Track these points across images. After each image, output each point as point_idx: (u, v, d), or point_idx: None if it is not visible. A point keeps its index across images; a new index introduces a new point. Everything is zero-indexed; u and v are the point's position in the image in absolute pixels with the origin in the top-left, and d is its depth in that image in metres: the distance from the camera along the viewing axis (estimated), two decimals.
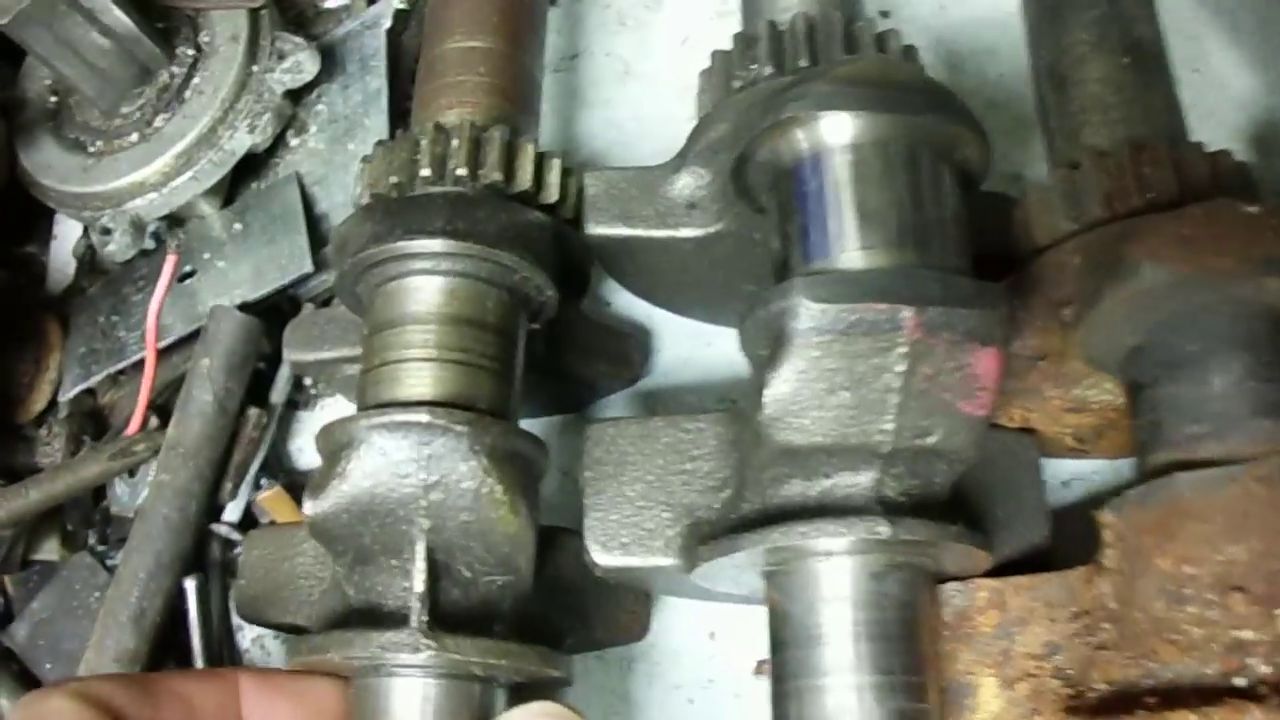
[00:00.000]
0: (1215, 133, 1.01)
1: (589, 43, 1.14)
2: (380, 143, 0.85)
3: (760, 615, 0.85)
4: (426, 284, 0.77)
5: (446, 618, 0.74)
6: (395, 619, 0.73)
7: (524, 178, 0.83)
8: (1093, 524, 0.72)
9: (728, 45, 0.87)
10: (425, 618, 0.72)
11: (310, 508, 0.74)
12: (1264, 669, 0.63)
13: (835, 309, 0.66)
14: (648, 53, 1.12)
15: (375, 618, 0.75)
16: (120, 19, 1.01)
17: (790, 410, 0.68)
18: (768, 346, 0.69)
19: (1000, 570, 0.77)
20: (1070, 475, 0.91)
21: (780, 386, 0.68)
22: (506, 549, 0.74)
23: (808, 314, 0.66)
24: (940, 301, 0.66)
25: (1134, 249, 0.68)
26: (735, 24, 0.96)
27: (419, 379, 0.75)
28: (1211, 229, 0.66)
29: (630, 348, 0.94)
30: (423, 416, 0.71)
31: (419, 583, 0.73)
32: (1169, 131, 0.82)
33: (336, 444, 0.74)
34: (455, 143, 0.82)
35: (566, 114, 1.11)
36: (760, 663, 0.91)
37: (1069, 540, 0.78)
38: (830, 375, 0.67)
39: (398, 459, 0.72)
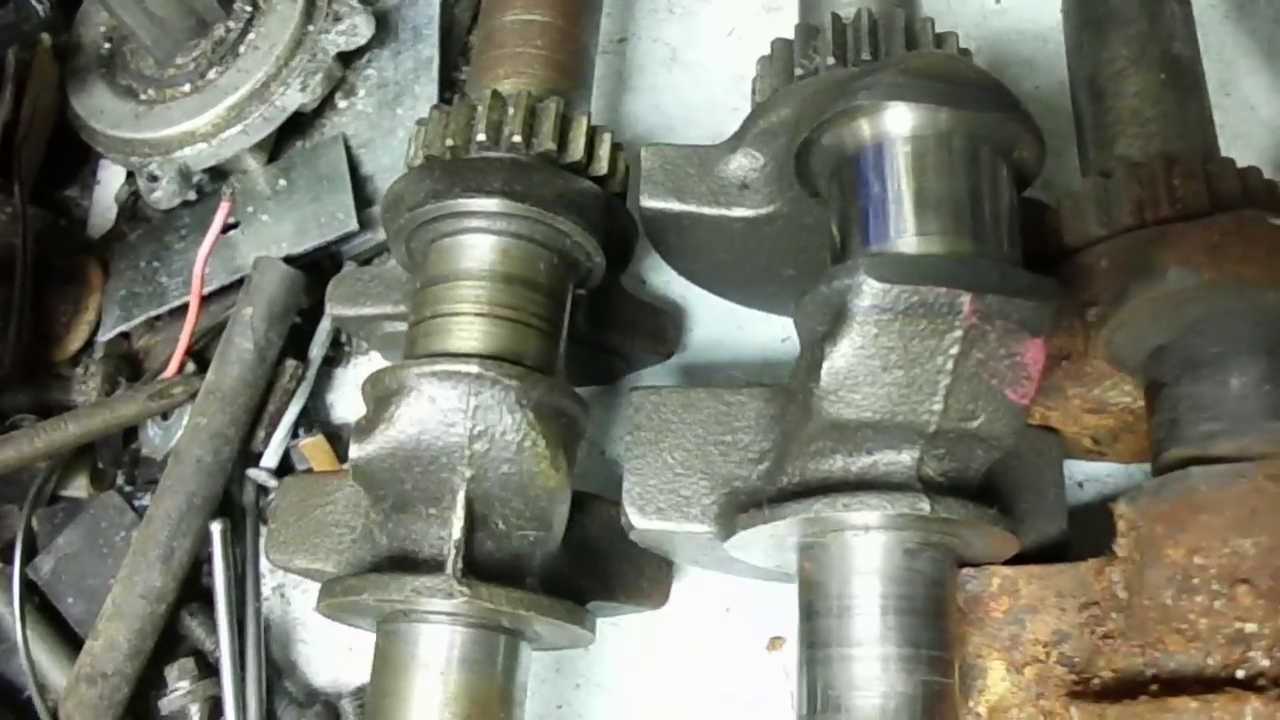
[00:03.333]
0: (1243, 154, 1.02)
1: (638, 28, 1.17)
2: (436, 107, 0.87)
3: (775, 591, 0.88)
4: (481, 242, 0.79)
5: (479, 568, 0.76)
6: (430, 565, 0.76)
7: (576, 149, 0.85)
8: (1105, 520, 0.75)
9: (775, 38, 0.89)
10: (460, 565, 0.74)
11: (356, 450, 0.76)
12: (1265, 662, 0.65)
13: (897, 289, 0.68)
14: (694, 41, 1.15)
15: (409, 564, 0.77)
16: None
17: (845, 384, 0.71)
18: (826, 323, 0.72)
19: (1016, 560, 0.80)
20: (1085, 476, 0.94)
21: (838, 361, 0.70)
22: (544, 503, 0.77)
23: (870, 292, 0.68)
24: (998, 289, 0.68)
25: (1163, 254, 0.71)
26: (783, 19, 0.99)
27: (470, 332, 0.77)
28: (1239, 238, 0.69)
29: (666, 324, 0.97)
30: (473, 368, 0.74)
31: (457, 530, 0.75)
32: (1202, 147, 0.85)
33: (386, 390, 0.76)
34: (511, 111, 0.84)
35: (612, 96, 1.14)
36: (774, 639, 0.93)
37: (1079, 538, 0.82)
38: (886, 353, 0.70)
39: (445, 407, 0.74)
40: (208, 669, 0.93)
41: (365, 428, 0.76)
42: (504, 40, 0.92)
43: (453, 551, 0.74)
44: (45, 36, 1.09)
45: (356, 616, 0.81)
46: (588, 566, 0.84)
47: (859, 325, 0.69)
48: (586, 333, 0.89)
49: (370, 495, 0.79)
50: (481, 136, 0.82)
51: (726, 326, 1.01)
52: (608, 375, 0.99)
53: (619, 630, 0.95)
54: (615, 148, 0.88)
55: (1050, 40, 1.00)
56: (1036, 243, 0.87)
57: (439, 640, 0.76)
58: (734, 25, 1.13)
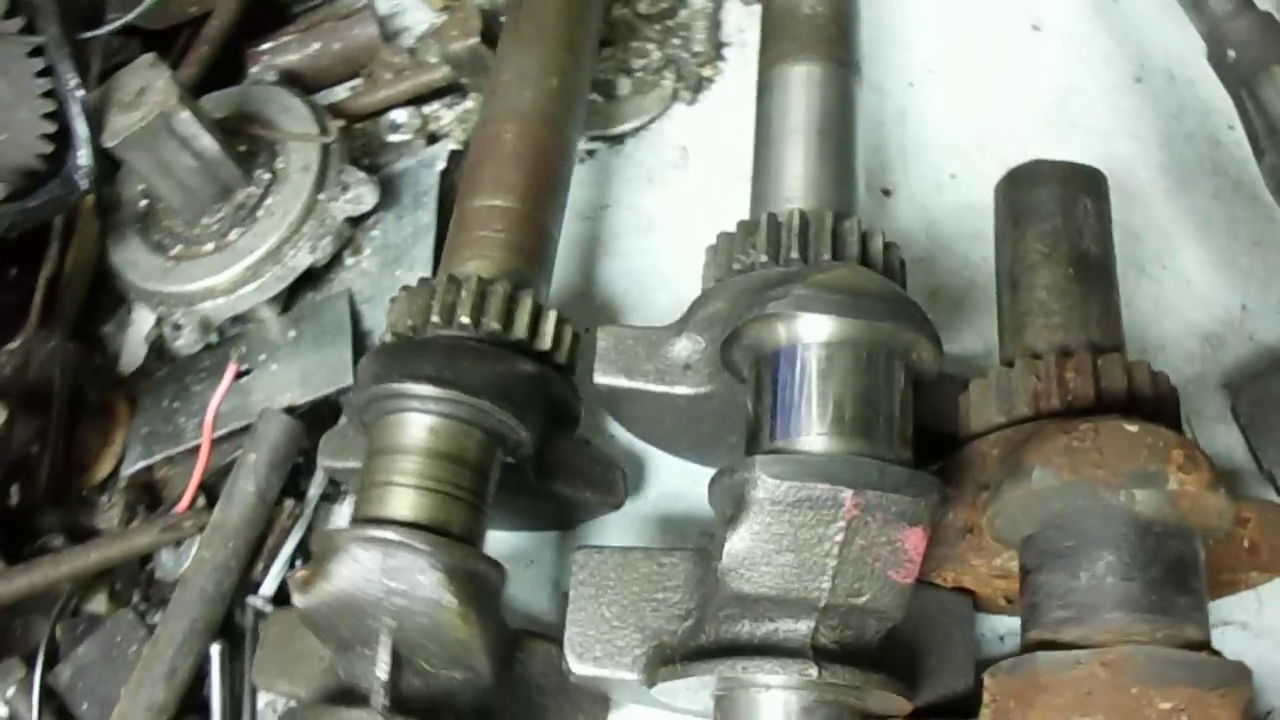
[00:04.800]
0: (1177, 324, 1.12)
1: (619, 195, 1.27)
2: (405, 288, 1.00)
3: None
4: (414, 420, 0.90)
5: (406, 703, 0.87)
6: (364, 700, 0.86)
7: (520, 327, 0.96)
8: None
9: (720, 231, 1.00)
10: (385, 701, 0.85)
11: (298, 600, 0.87)
12: None
13: (787, 485, 0.78)
14: (670, 209, 1.25)
15: (353, 697, 0.88)
16: (209, 145, 1.15)
17: (744, 563, 0.80)
18: (731, 507, 0.82)
19: (926, 713, 0.88)
20: (1006, 630, 1.00)
21: (737, 543, 0.80)
22: (459, 650, 0.87)
23: (764, 487, 0.79)
24: (877, 486, 0.78)
25: (1030, 454, 0.80)
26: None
27: (399, 501, 0.88)
28: (1095, 442, 0.77)
29: (616, 478, 1.05)
30: (390, 534, 0.84)
31: (382, 670, 0.86)
32: (1104, 340, 0.93)
33: (324, 549, 0.87)
34: (464, 293, 0.95)
35: (589, 261, 1.24)
36: None
37: None
38: (779, 538, 0.79)
39: (368, 567, 0.84)
40: None
41: (308, 580, 0.87)
42: (470, 224, 1.04)
43: (379, 689, 0.85)
44: (89, 197, 1.22)
45: None
46: (525, 701, 0.94)
47: (754, 514, 0.79)
48: (537, 485, 0.99)
49: (318, 637, 0.90)
50: (435, 318, 0.95)
51: (684, 481, 1.10)
52: (565, 522, 1.09)
53: None
54: (560, 323, 0.99)
55: None
56: (953, 419, 0.97)
57: None
58: (707, 196, 1.23)
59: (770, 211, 0.98)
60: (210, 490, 1.13)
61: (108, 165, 1.18)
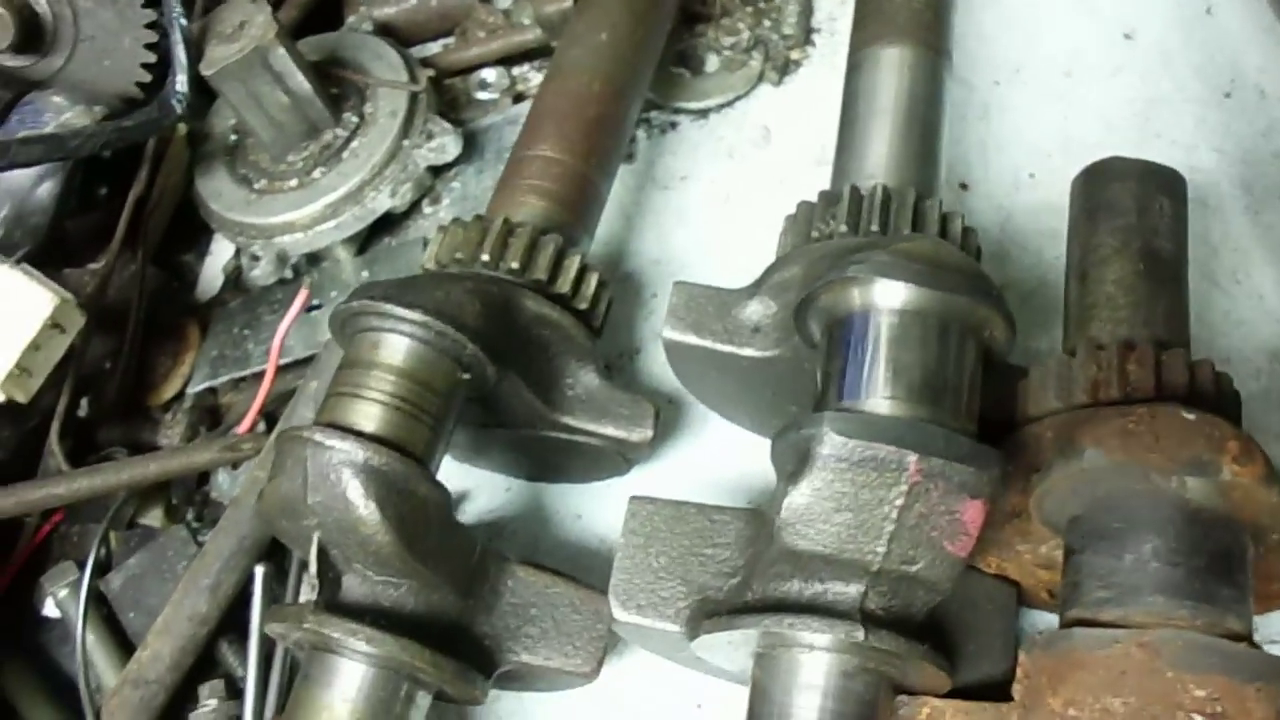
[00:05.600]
0: (1247, 340, 1.11)
1: (698, 168, 1.28)
2: (440, 227, 1.03)
3: (744, 695, 0.97)
4: (374, 337, 0.91)
5: (347, 606, 0.89)
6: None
7: (539, 269, 0.98)
8: None
9: (801, 200, 1.01)
10: (313, 597, 0.88)
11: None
12: None
13: (853, 443, 0.78)
14: (748, 185, 1.25)
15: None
16: (302, 84, 1.18)
17: (802, 518, 0.80)
18: (793, 463, 0.82)
19: (960, 695, 0.88)
20: (1046, 626, 0.99)
21: (798, 498, 0.80)
22: (382, 555, 0.87)
23: (830, 443, 0.79)
24: (941, 454, 0.78)
25: (1083, 434, 0.79)
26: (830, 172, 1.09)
27: (345, 408, 0.90)
28: (1151, 426, 0.77)
29: (645, 411, 1.03)
30: (316, 434, 0.86)
31: (312, 568, 0.88)
32: (1169, 337, 0.92)
33: (275, 452, 0.90)
34: (490, 234, 0.99)
35: (665, 229, 1.25)
36: None
37: None
38: (840, 497, 0.79)
39: (298, 466, 0.86)
40: (235, 692, 1.04)
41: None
42: (519, 172, 1.08)
43: (308, 588, 0.88)
44: (182, 125, 1.25)
45: None
46: (510, 628, 0.95)
47: (818, 470, 0.79)
48: (558, 421, 1.01)
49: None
50: (459, 255, 0.99)
51: (738, 449, 1.11)
52: (602, 466, 1.09)
53: (598, 708, 1.04)
54: (584, 270, 1.02)
55: None
56: (1012, 408, 0.97)
57: (324, 667, 0.88)
58: (784, 175, 1.24)
59: (853, 184, 0.99)
60: (271, 418, 1.15)
61: (203, 97, 1.21)
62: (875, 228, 0.95)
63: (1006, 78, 1.28)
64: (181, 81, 1.12)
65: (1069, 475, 0.80)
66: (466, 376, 0.93)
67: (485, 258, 0.98)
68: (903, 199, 0.97)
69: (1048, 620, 0.99)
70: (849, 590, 0.83)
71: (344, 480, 0.86)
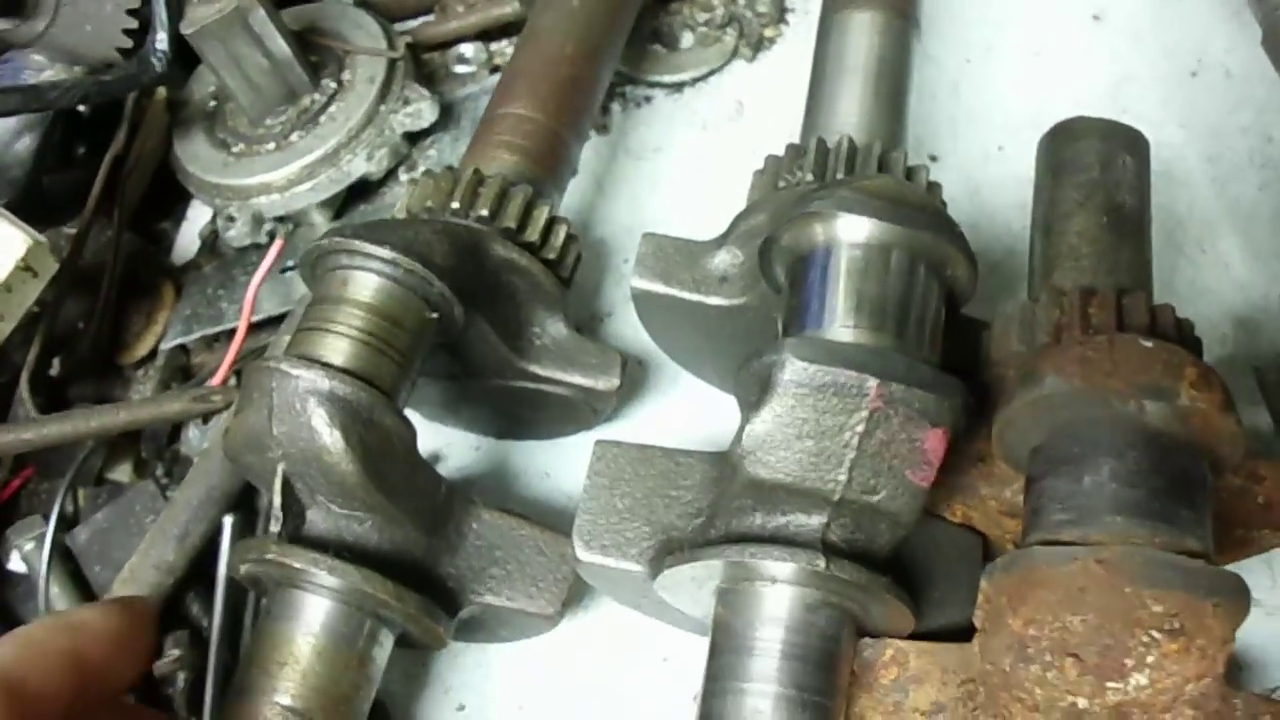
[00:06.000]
0: (1212, 306, 1.12)
1: (672, 139, 1.30)
2: (411, 180, 1.07)
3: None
4: (345, 274, 0.92)
5: (311, 539, 0.89)
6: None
7: (508, 217, 0.99)
8: None
9: (768, 154, 1.03)
10: (276, 528, 0.88)
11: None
12: None
13: (814, 368, 0.79)
14: (721, 156, 1.27)
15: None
16: (281, 46, 1.19)
17: (764, 446, 0.81)
18: (755, 392, 0.83)
19: (927, 639, 0.88)
20: None
21: (759, 425, 0.81)
22: (345, 486, 0.87)
23: (791, 369, 0.79)
24: (902, 380, 0.79)
25: (1044, 363, 0.80)
26: None
27: (313, 341, 0.90)
28: (1110, 355, 0.78)
29: (613, 360, 1.04)
30: (282, 365, 0.86)
31: (276, 500, 0.88)
32: (1132, 286, 0.92)
33: (243, 384, 0.91)
34: (461, 183, 1.00)
35: (638, 197, 1.27)
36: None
37: None
38: (800, 423, 0.80)
39: (263, 395, 0.87)
40: (200, 644, 1.04)
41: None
42: (492, 128, 1.10)
43: (274, 519, 0.88)
44: (161, 90, 1.26)
45: None
46: (474, 569, 0.95)
47: (779, 396, 0.80)
48: (523, 368, 1.02)
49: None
50: (430, 203, 1.00)
51: (704, 404, 1.12)
52: (570, 418, 1.10)
53: (564, 662, 1.04)
54: (553, 221, 1.03)
55: None
56: (973, 359, 0.97)
57: (309, 606, 0.88)
58: (757, 147, 1.25)
59: (819, 137, 1.00)
60: (242, 373, 1.14)
61: (183, 66, 1.22)
62: (840, 176, 0.96)
63: (978, 56, 1.30)
64: (162, 39, 1.14)
65: (1029, 403, 0.81)
66: (434, 316, 0.93)
67: (455, 205, 0.99)
68: (869, 150, 0.99)
69: None
70: (810, 521, 0.83)
71: (309, 409, 0.86)
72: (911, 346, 0.84)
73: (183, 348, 1.22)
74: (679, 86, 1.32)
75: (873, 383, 0.79)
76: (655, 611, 0.99)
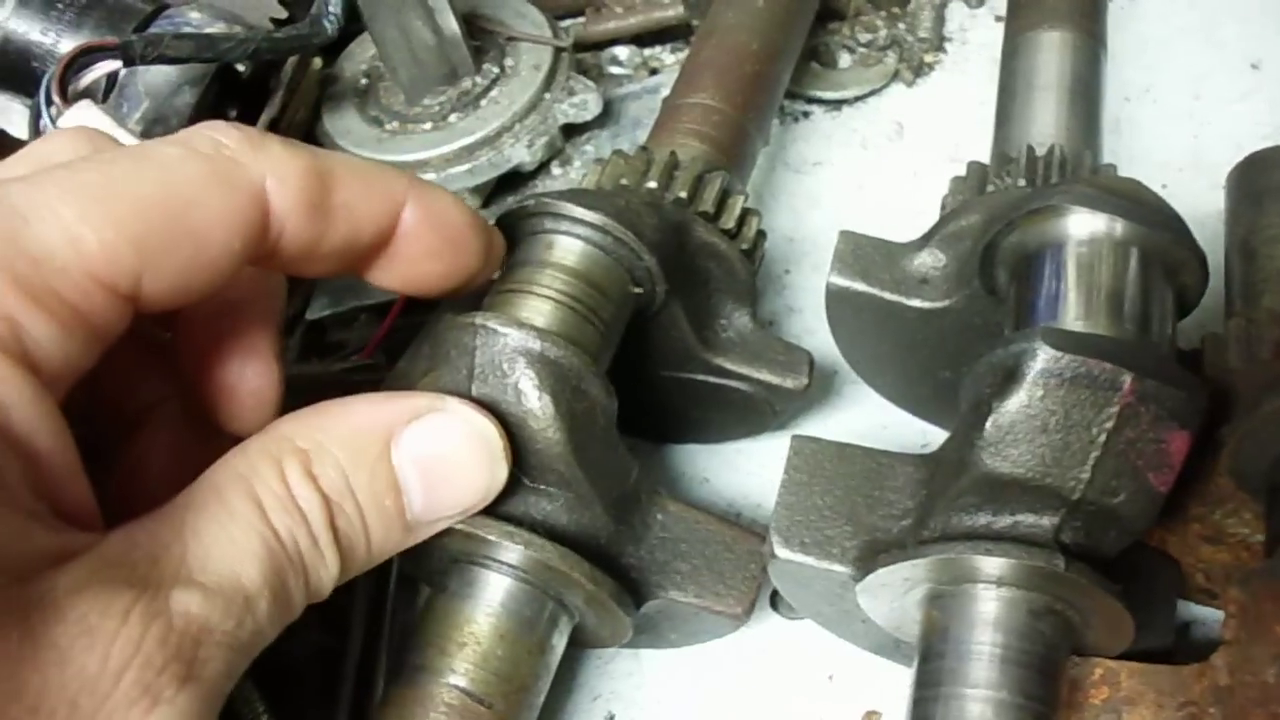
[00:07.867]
0: None
1: (831, 156, 1.29)
2: (598, 161, 1.01)
3: (879, 666, 0.93)
4: (550, 239, 0.89)
5: (496, 515, 0.82)
6: None
7: (705, 202, 0.96)
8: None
9: (971, 160, 1.00)
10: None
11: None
12: None
13: (1068, 358, 0.75)
14: (881, 175, 1.26)
15: None
16: (451, 24, 1.16)
17: (1007, 439, 0.77)
18: (996, 384, 0.79)
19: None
20: (1192, 618, 0.95)
21: (1004, 416, 0.77)
22: (544, 454, 0.81)
23: (1044, 357, 0.76)
24: (1155, 376, 0.76)
25: None
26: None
27: (513, 304, 0.86)
28: None
29: (800, 358, 1.00)
30: (490, 321, 0.81)
31: None
32: None
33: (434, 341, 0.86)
34: (654, 166, 0.97)
35: (798, 209, 1.25)
36: (869, 713, 0.96)
37: None
38: (1048, 416, 0.76)
39: (465, 356, 0.81)
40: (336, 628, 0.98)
41: None
42: (678, 117, 1.08)
43: None
44: (317, 61, 1.23)
45: None
46: (659, 563, 0.90)
47: (1029, 386, 0.76)
48: (711, 362, 0.98)
49: None
50: (624, 181, 0.96)
51: (870, 424, 1.08)
52: (748, 420, 1.05)
53: (722, 675, 0.99)
54: (747, 212, 1.00)
55: (1206, 225, 1.07)
56: None
57: (491, 584, 0.83)
58: (918, 168, 1.24)
59: (1028, 144, 0.98)
60: (390, 354, 1.10)
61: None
62: (1055, 183, 0.94)
63: (1136, 95, 1.30)
64: (335, 2, 1.11)
65: (1276, 410, 0.78)
66: (638, 290, 0.90)
67: (652, 185, 0.96)
68: (1079, 160, 0.97)
69: (1195, 612, 0.94)
70: (1042, 522, 0.79)
71: (517, 370, 0.81)
72: (1156, 341, 0.81)
73: (318, 323, 1.17)
74: (838, 104, 1.31)
75: (1127, 377, 0.75)
76: (833, 621, 0.94)
